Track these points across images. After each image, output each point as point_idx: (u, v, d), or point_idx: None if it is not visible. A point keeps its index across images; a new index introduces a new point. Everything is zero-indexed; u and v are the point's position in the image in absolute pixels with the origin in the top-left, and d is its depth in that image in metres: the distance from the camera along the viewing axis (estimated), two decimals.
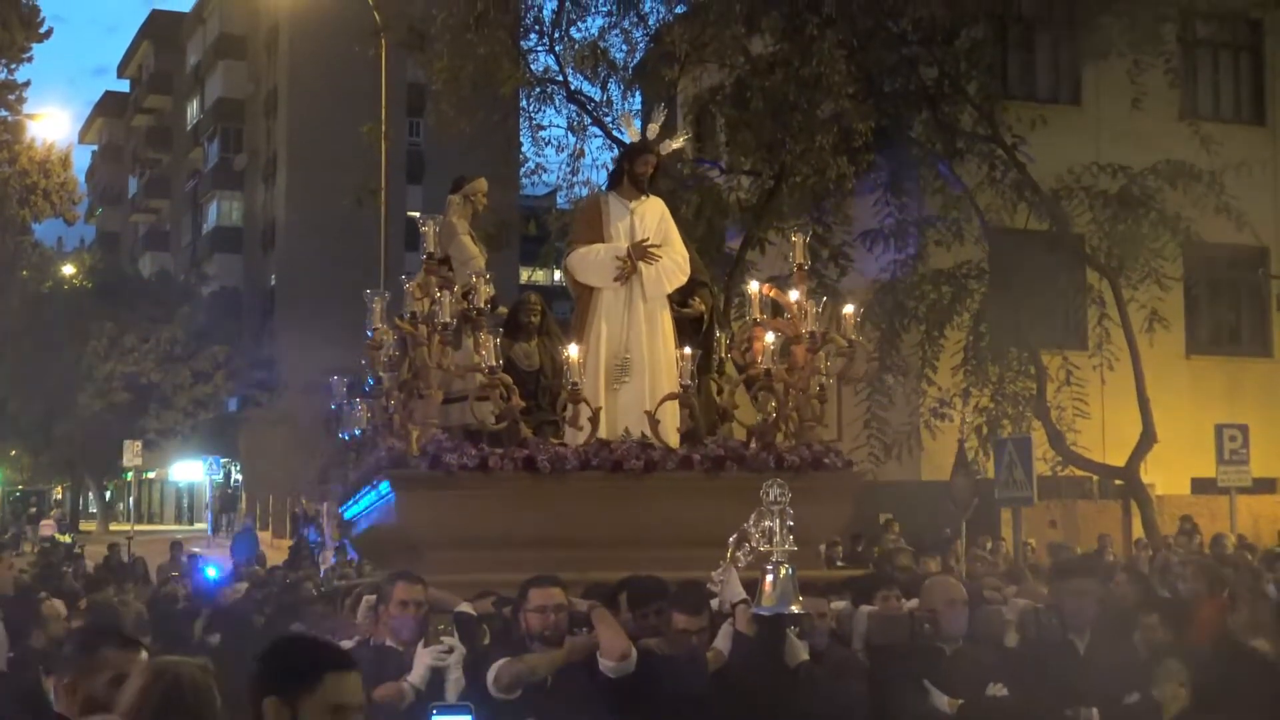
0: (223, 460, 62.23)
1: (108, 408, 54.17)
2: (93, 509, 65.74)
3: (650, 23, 23.28)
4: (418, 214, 56.24)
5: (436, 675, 6.48)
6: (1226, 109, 26.00)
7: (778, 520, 6.55)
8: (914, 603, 7.81)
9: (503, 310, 10.12)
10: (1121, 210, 20.32)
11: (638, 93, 24.46)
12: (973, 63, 21.55)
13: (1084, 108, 24.42)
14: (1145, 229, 20.29)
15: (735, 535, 6.95)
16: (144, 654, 4.63)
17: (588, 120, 24.06)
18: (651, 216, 9.94)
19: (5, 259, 40.20)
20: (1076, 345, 21.77)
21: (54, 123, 41.01)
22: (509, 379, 9.04)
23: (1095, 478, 22.70)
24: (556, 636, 6.53)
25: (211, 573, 21.62)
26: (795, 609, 6.54)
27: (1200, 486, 23.56)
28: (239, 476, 61.71)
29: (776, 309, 9.77)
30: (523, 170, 25.61)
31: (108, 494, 65.14)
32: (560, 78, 23.84)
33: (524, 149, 25.45)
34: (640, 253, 9.65)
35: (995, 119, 21.52)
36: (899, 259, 21.29)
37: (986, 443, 20.43)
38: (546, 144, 24.88)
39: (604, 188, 24.31)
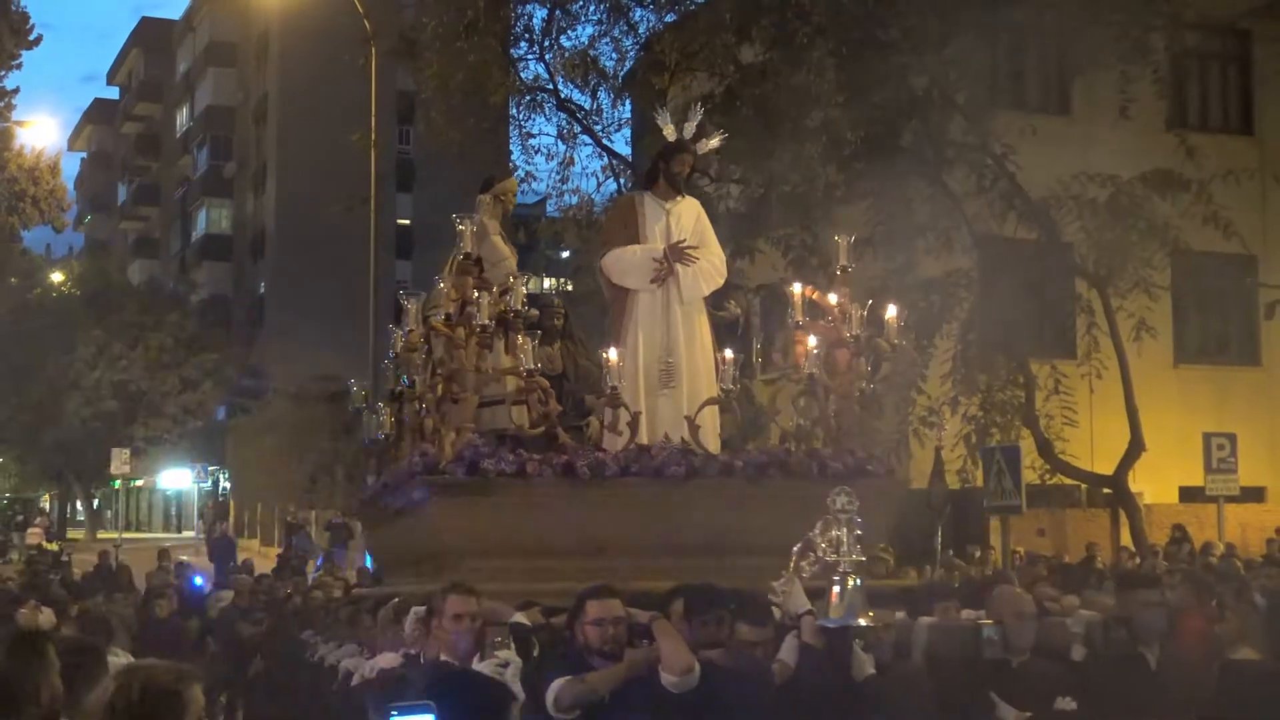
0: (211, 468, 62.12)
1: (96, 415, 54.09)
2: (80, 517, 65.60)
3: (640, 31, 23.34)
4: (407, 221, 56.31)
5: None
6: (1214, 119, 26.08)
7: (845, 529, 6.35)
8: (978, 614, 7.50)
9: (534, 313, 9.84)
10: (1110, 219, 20.31)
11: (628, 101, 24.49)
12: (962, 72, 21.54)
13: (1073, 117, 24.48)
14: (1133, 238, 20.29)
15: (800, 544, 6.67)
16: (122, 659, 4.60)
17: (578, 128, 24.10)
18: (688, 217, 9.71)
19: None
20: (1065, 354, 21.76)
21: (43, 130, 40.87)
22: (546, 383, 8.86)
23: (1083, 486, 22.73)
24: (615, 650, 6.19)
25: (199, 580, 21.58)
26: (864, 621, 6.32)
27: (1188, 495, 23.61)
28: (227, 484, 61.58)
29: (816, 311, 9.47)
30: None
31: (95, 502, 64.95)
32: (550, 86, 23.91)
33: (514, 157, 25.49)
34: (678, 254, 9.41)
35: (984, 128, 21.53)
36: (889, 267, 21.30)
37: (975, 451, 20.44)
38: (536, 152, 24.93)
39: (596, 194, 24.02)
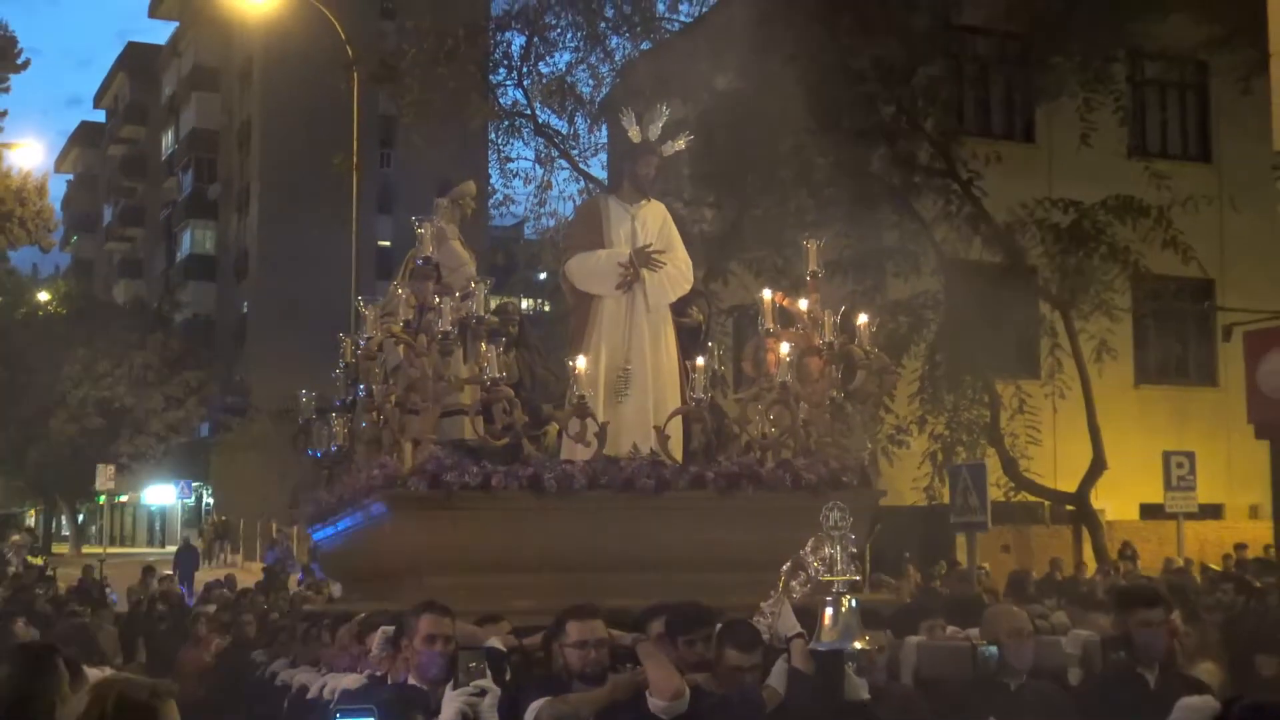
0: (194, 484, 61.85)
1: (81, 432, 53.82)
2: (65, 532, 65.24)
3: (616, 59, 23.37)
4: (388, 243, 56.27)
5: (470, 716, 5.64)
6: (1174, 146, 26.23)
7: (839, 546, 5.88)
8: (971, 632, 7.04)
9: (494, 319, 9.10)
10: (1073, 244, 20.43)
11: (604, 126, 24.54)
12: (929, 100, 21.67)
13: (1037, 144, 24.60)
14: (1096, 262, 20.41)
15: (789, 563, 6.25)
16: (102, 671, 4.54)
17: (555, 153, 24.12)
18: (654, 221, 9.13)
19: None
20: (1029, 374, 21.86)
21: (30, 152, 40.64)
22: (510, 392, 8.21)
23: (1047, 503, 22.79)
24: (598, 673, 5.79)
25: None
26: (860, 644, 5.84)
27: (1148, 512, 23.68)
28: (210, 500, 61.36)
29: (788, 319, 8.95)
30: (491, 202, 25.61)
31: (80, 517, 64.66)
32: (528, 111, 23.91)
33: (492, 181, 25.49)
34: (644, 259, 8.84)
35: (951, 155, 21.63)
36: (858, 289, 21.36)
37: (942, 469, 20.49)
38: (514, 176, 24.94)
39: (572, 202, 23.80)
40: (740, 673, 5.91)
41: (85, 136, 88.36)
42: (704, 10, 22.04)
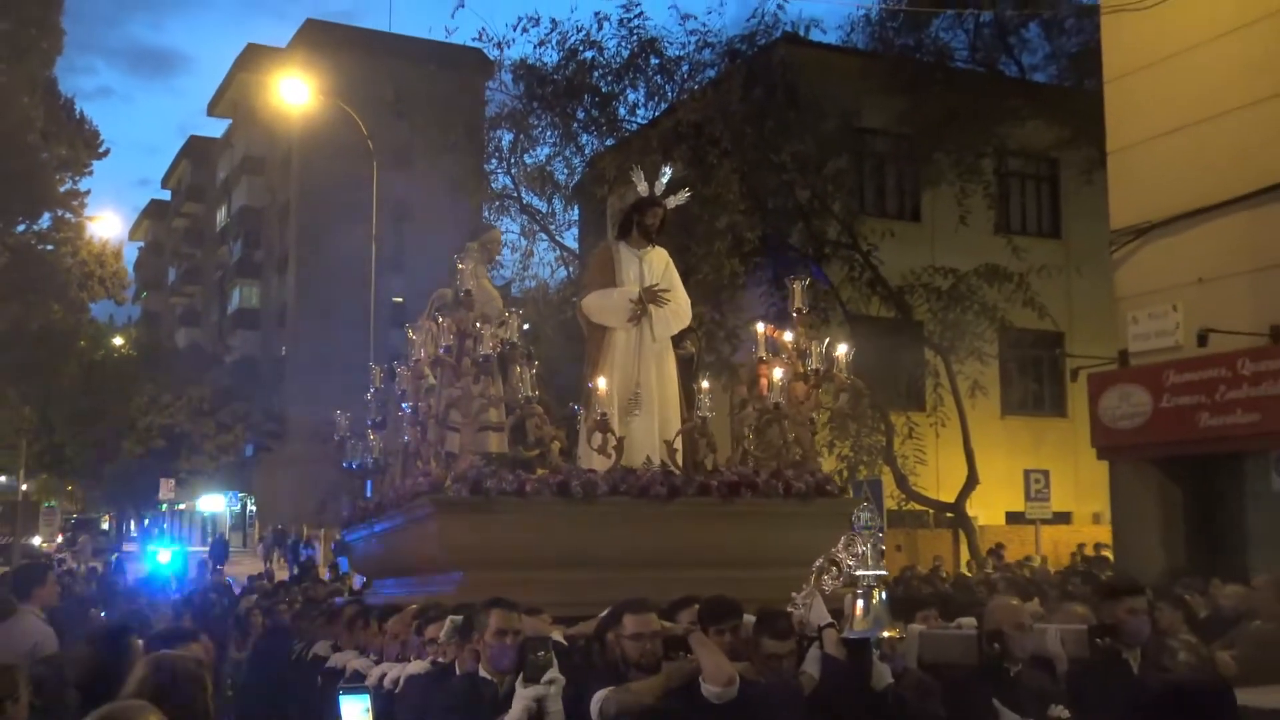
0: (240, 494, 61.29)
1: (147, 452, 53.34)
2: (133, 534, 64.57)
3: (586, 152, 23.40)
4: (400, 299, 56.00)
5: (534, 709, 5.14)
6: (1031, 225, 26.44)
7: (870, 544, 5.53)
8: (968, 621, 6.54)
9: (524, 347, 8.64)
10: (951, 303, 20.52)
11: (576, 207, 24.57)
12: (837, 187, 21.79)
13: (922, 223, 24.77)
14: (969, 317, 20.51)
15: (821, 559, 5.84)
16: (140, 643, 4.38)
17: (536, 227, 24.10)
18: (659, 263, 8.84)
19: (67, 332, 39.48)
20: (916, 407, 21.93)
21: (108, 223, 40.34)
22: (540, 409, 7.85)
23: (931, 511, 22.84)
24: (652, 663, 5.28)
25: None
26: (889, 633, 5.48)
27: (1012, 518, 23.78)
28: (254, 508, 60.80)
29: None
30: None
31: (146, 521, 63.99)
32: (515, 194, 23.88)
33: None
34: (651, 297, 8.54)
35: (854, 231, 21.75)
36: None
37: (848, 484, 20.49)
38: (503, 246, 24.86)
39: (550, 279, 23.80)
40: (777, 660, 5.49)
41: (154, 211, 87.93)
42: (657, 114, 22.10)
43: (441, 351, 7.94)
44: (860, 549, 5.56)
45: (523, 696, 5.08)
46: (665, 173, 8.96)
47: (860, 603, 5.45)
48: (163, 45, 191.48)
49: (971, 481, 20.75)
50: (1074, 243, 25.18)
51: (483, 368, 7.72)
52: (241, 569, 34.03)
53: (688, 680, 5.16)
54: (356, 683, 4.96)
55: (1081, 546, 21.73)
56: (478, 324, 7.88)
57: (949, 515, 22.13)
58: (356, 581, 16.11)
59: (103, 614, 13.36)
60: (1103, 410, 14.71)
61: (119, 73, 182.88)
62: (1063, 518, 24.10)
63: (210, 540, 44.70)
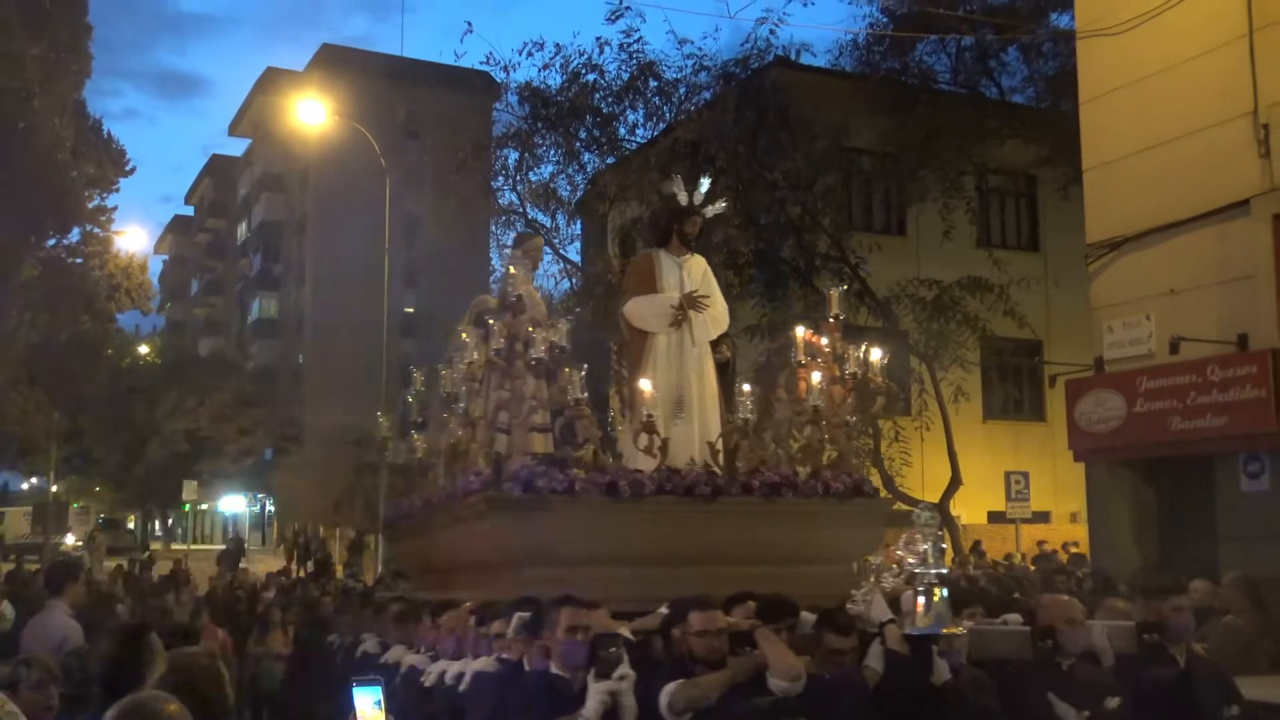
0: (259, 495, 61.25)
1: (172, 455, 53.33)
2: (158, 533, 64.55)
3: (588, 170, 23.44)
4: (411, 309, 55.98)
5: (609, 704, 4.93)
6: (1011, 239, 26.47)
7: (931, 543, 5.39)
8: (1014, 618, 6.40)
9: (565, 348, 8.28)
10: (935, 313, 20.54)
11: (578, 221, 24.60)
12: (826, 203, 21.82)
13: (908, 237, 24.80)
14: (953, 327, 20.52)
15: (879, 558, 5.75)
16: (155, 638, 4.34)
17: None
18: (697, 270, 8.56)
19: (96, 341, 39.50)
20: (902, 412, 21.90)
21: (134, 237, 40.27)
22: (588, 411, 7.58)
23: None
24: (718, 658, 5.11)
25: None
26: (951, 629, 5.35)
27: (994, 518, 23.78)
28: (272, 508, 60.76)
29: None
30: (491, 279, 25.59)
31: (170, 520, 63.96)
32: (521, 209, 23.91)
33: (492, 261, 25.46)
34: (692, 303, 8.28)
35: (843, 245, 21.77)
36: (772, 347, 21.37)
37: None
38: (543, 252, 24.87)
39: (554, 290, 23.79)
40: (840, 655, 5.33)
41: (177, 226, 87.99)
42: (655, 134, 22.14)
43: (493, 354, 7.77)
44: (922, 547, 5.43)
45: (597, 692, 4.91)
46: (703, 183, 8.72)
47: (922, 599, 5.33)
48: (186, 69, 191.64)
49: (955, 483, 20.74)
50: (1052, 256, 25.21)
51: (535, 370, 7.54)
52: (261, 567, 34.01)
53: (753, 675, 5.03)
54: (368, 675, 4.91)
55: (1042, 544, 21.70)
56: (529, 328, 7.68)
57: None
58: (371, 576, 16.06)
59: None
60: (1079, 415, 14.73)
61: (145, 95, 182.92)
62: (1042, 517, 24.09)
63: (227, 542, 44.49)
